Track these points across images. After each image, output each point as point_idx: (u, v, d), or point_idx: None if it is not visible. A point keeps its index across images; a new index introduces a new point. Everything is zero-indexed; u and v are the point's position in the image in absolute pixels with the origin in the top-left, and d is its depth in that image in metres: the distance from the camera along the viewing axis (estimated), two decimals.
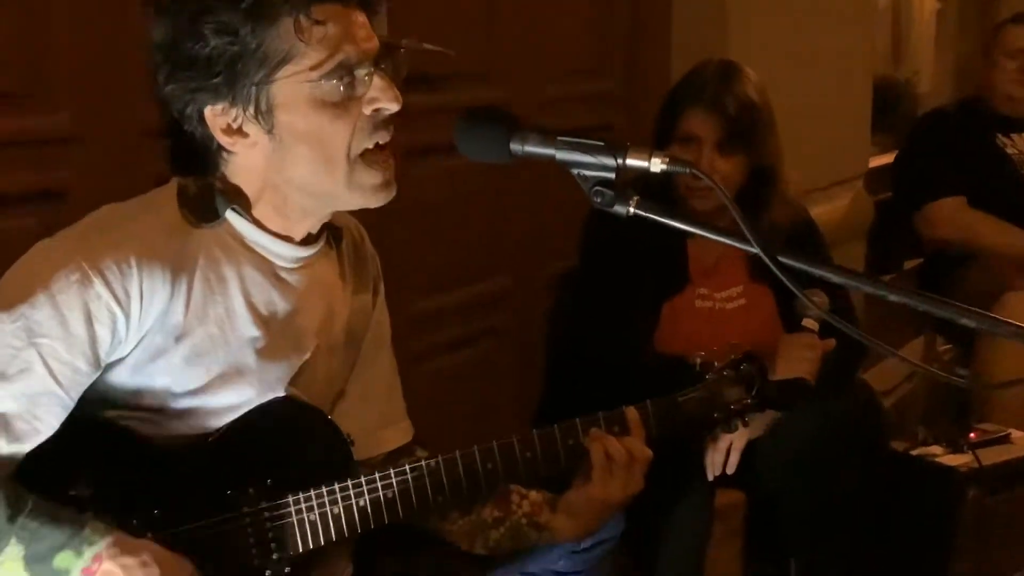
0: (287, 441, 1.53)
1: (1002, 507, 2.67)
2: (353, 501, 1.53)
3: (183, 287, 1.45)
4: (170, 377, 1.46)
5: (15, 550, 1.31)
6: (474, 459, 1.60)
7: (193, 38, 1.39)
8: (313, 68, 1.40)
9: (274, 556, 1.49)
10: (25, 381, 1.36)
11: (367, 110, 1.44)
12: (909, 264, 4.20)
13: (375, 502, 1.54)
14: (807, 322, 2.22)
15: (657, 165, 1.25)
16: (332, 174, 1.45)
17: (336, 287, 1.63)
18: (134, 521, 1.42)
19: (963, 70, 5.54)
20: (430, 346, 2.81)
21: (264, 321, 1.52)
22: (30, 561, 1.32)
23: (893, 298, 1.18)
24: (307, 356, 1.58)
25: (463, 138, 1.35)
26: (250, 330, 1.50)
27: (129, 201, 1.50)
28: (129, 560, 1.35)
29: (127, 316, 1.40)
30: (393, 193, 1.50)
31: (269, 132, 1.43)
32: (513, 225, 3.04)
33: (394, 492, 1.55)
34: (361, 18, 1.45)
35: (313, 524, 1.51)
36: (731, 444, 2.16)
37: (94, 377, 1.42)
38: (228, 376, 1.49)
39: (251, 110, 1.42)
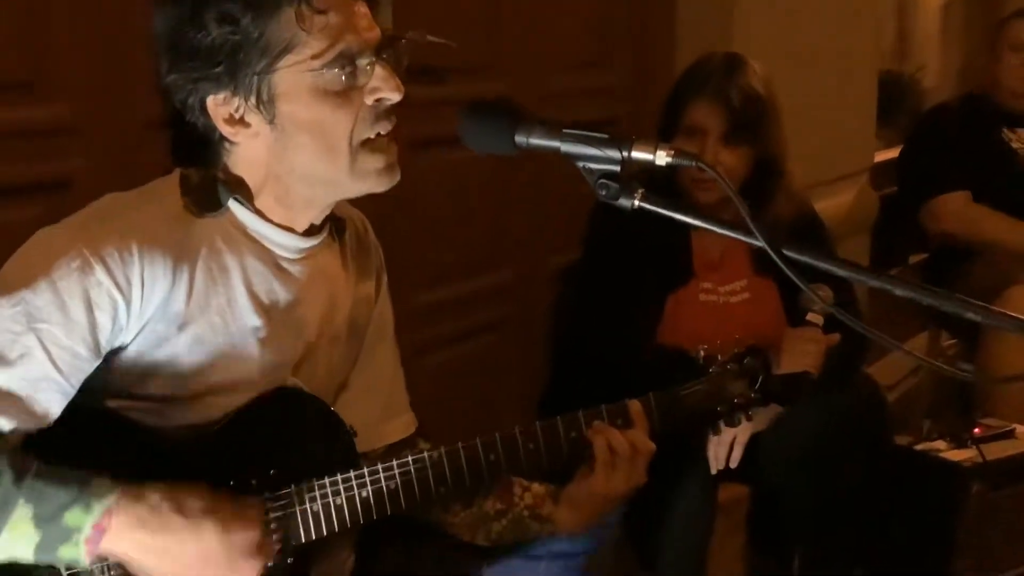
0: (290, 432, 1.53)
1: (1006, 502, 2.67)
2: (356, 492, 1.53)
3: (185, 276, 1.45)
4: (172, 366, 1.46)
5: (24, 511, 1.31)
6: (477, 451, 1.60)
7: (195, 28, 1.39)
8: (315, 57, 1.40)
9: (276, 546, 1.49)
10: (25, 366, 1.36)
11: (369, 100, 1.44)
12: (914, 259, 4.19)
13: (377, 493, 1.54)
14: (811, 316, 2.22)
15: (663, 158, 1.25)
16: (335, 162, 1.45)
17: (339, 278, 1.63)
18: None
19: (969, 65, 5.53)
20: (433, 339, 2.81)
21: (266, 311, 1.52)
22: (40, 521, 1.32)
23: (899, 292, 1.17)
24: (310, 346, 1.58)
25: (468, 130, 1.35)
26: (252, 320, 1.50)
27: (132, 191, 1.50)
28: (141, 509, 1.35)
29: (128, 303, 1.40)
30: (397, 177, 1.49)
31: (271, 122, 1.43)
32: (516, 218, 3.04)
33: (397, 483, 1.55)
34: (363, 8, 1.45)
35: (316, 514, 1.51)
36: (735, 438, 2.15)
37: (95, 364, 1.42)
38: (230, 366, 1.50)
39: (253, 100, 1.42)
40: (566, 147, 1.28)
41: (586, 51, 3.25)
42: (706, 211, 1.87)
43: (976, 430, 2.76)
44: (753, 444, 2.17)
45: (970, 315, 1.16)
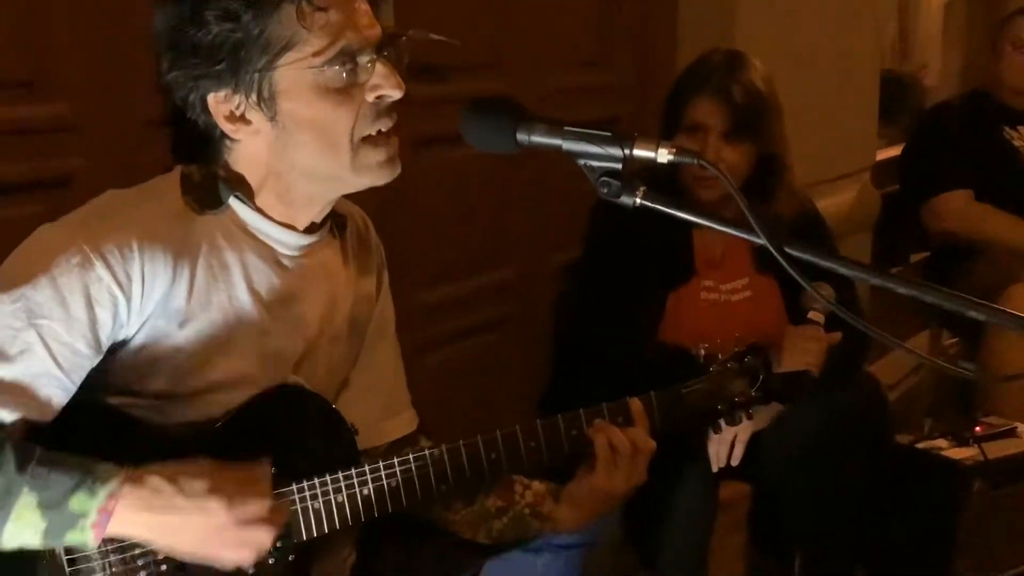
0: (291, 429, 1.53)
1: (1007, 501, 2.66)
2: (357, 489, 1.53)
3: (185, 272, 1.45)
4: (174, 363, 1.46)
5: (29, 498, 1.31)
6: (478, 448, 1.60)
7: (196, 25, 1.39)
8: (315, 54, 1.40)
9: (277, 544, 1.49)
10: (25, 362, 1.36)
11: (370, 97, 1.44)
12: (915, 258, 4.19)
13: (379, 490, 1.54)
14: (813, 315, 2.21)
15: (664, 156, 1.25)
16: (336, 158, 1.45)
17: (340, 275, 1.63)
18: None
19: (971, 63, 5.52)
20: (434, 337, 2.81)
21: (267, 308, 1.52)
22: (45, 507, 1.32)
23: (902, 290, 1.17)
24: (310, 344, 1.58)
25: (469, 128, 1.35)
26: (253, 317, 1.50)
27: (132, 188, 1.50)
28: (143, 490, 1.35)
29: (128, 299, 1.40)
30: (398, 170, 1.50)
31: (272, 119, 1.43)
32: (518, 216, 3.04)
33: (398, 481, 1.55)
34: (363, 6, 1.45)
35: (317, 512, 1.51)
36: (736, 436, 2.15)
37: (96, 360, 1.42)
38: (231, 363, 1.49)
39: (254, 97, 1.42)
40: (568, 145, 1.28)
41: (588, 50, 3.25)
42: (708, 209, 1.87)
43: (977, 428, 2.76)
44: (754, 442, 2.17)
45: (972, 313, 1.16)
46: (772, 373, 1.85)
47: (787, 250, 1.19)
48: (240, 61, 1.40)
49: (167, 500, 1.36)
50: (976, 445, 2.67)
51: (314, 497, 1.51)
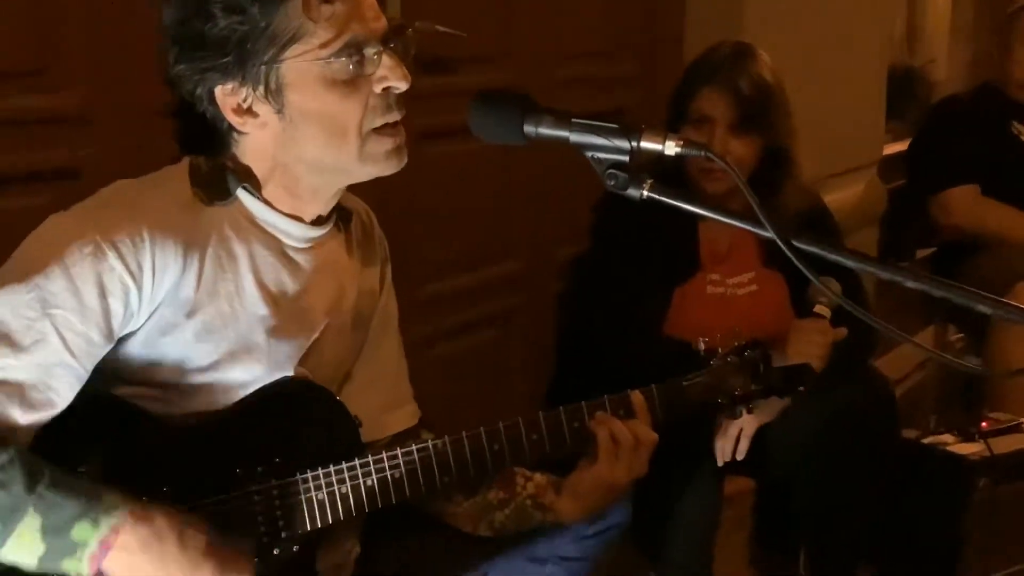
0: (296, 420, 1.54)
1: (1013, 496, 2.66)
2: (361, 481, 1.53)
3: (195, 262, 1.45)
4: (180, 353, 1.46)
5: (32, 521, 1.31)
6: (480, 440, 1.61)
7: (203, 18, 1.40)
8: (322, 46, 1.41)
9: (282, 534, 1.50)
10: (40, 352, 1.36)
11: (377, 89, 1.45)
12: (921, 253, 4.18)
13: (382, 482, 1.55)
14: (819, 309, 2.21)
15: (671, 148, 1.25)
16: (343, 149, 1.46)
17: (345, 269, 1.63)
18: (143, 498, 1.42)
19: (979, 58, 5.50)
20: (440, 331, 2.81)
21: (274, 300, 1.52)
22: (47, 532, 1.32)
23: (910, 284, 1.17)
24: (316, 336, 1.58)
25: (477, 120, 1.35)
26: (260, 308, 1.51)
27: (141, 178, 1.50)
28: (144, 530, 1.35)
29: (140, 289, 1.41)
30: (404, 160, 1.50)
31: (279, 112, 1.44)
32: (523, 209, 3.03)
33: (401, 472, 1.56)
34: None
35: (321, 503, 1.51)
36: (741, 430, 2.15)
37: (107, 350, 1.42)
38: (237, 354, 1.50)
39: (261, 90, 1.42)
40: (575, 137, 1.28)
41: (595, 41, 3.24)
42: (714, 202, 1.87)
43: (983, 424, 2.76)
44: (760, 437, 2.17)
45: (980, 307, 1.15)
46: (771, 367, 1.85)
47: (795, 243, 1.19)
48: (247, 53, 1.40)
49: (164, 548, 1.36)
50: (982, 441, 2.67)
51: (318, 488, 1.52)
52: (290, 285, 1.54)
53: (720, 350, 1.83)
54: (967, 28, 5.69)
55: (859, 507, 2.30)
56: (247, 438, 1.50)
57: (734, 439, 2.16)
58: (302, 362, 1.57)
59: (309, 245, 1.55)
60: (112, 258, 1.38)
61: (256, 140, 1.48)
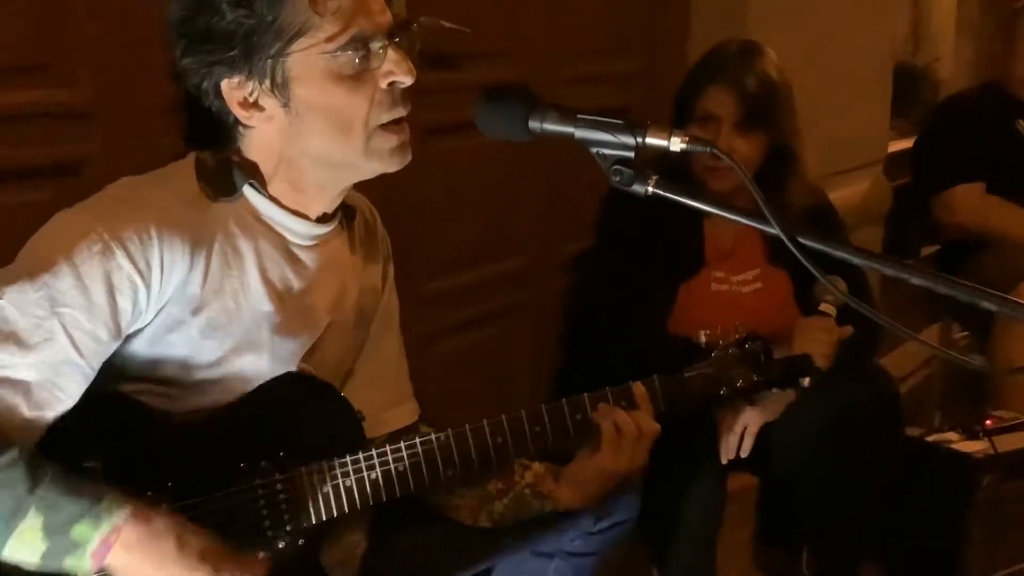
0: (300, 415, 1.54)
1: (1017, 494, 2.66)
2: (365, 474, 1.54)
3: (202, 259, 1.45)
4: (186, 349, 1.47)
5: (35, 520, 1.31)
6: (484, 433, 1.61)
7: (209, 11, 1.40)
8: (328, 40, 1.41)
9: (287, 528, 1.50)
10: (48, 350, 1.36)
11: (382, 83, 1.45)
12: (926, 251, 4.17)
13: (386, 475, 1.55)
14: (824, 307, 2.21)
15: (677, 144, 1.24)
16: (349, 143, 1.46)
17: (348, 266, 1.64)
18: (148, 493, 1.42)
19: (984, 55, 5.49)
20: (444, 327, 2.81)
21: (278, 296, 1.52)
22: (49, 532, 1.32)
23: (916, 281, 1.17)
24: (319, 333, 1.58)
25: (482, 115, 1.34)
26: (264, 305, 1.51)
27: (147, 174, 1.50)
28: (144, 529, 1.35)
29: (148, 287, 1.41)
30: (409, 157, 1.50)
31: (285, 106, 1.44)
32: (528, 205, 3.03)
33: (405, 465, 1.56)
34: None
35: (326, 496, 1.52)
36: (745, 427, 2.15)
37: (114, 347, 1.42)
38: (242, 350, 1.50)
39: (267, 83, 1.42)
40: (580, 133, 1.28)
41: (601, 38, 3.24)
42: (719, 199, 1.87)
43: (988, 422, 2.75)
44: (764, 434, 2.16)
45: (986, 304, 1.15)
46: (772, 359, 1.85)
47: (801, 240, 1.19)
48: (253, 47, 1.40)
49: (162, 548, 1.36)
50: (986, 438, 2.66)
51: (323, 481, 1.52)
52: (295, 282, 1.54)
53: (721, 342, 1.84)
54: (972, 26, 5.68)
55: (862, 504, 2.30)
56: (251, 433, 1.50)
57: (739, 436, 2.16)
58: (305, 359, 1.57)
59: (314, 243, 1.55)
60: (120, 256, 1.38)
61: (262, 134, 1.48)
